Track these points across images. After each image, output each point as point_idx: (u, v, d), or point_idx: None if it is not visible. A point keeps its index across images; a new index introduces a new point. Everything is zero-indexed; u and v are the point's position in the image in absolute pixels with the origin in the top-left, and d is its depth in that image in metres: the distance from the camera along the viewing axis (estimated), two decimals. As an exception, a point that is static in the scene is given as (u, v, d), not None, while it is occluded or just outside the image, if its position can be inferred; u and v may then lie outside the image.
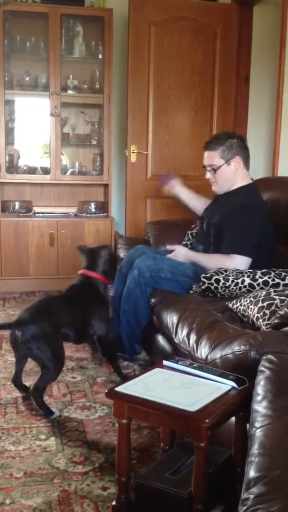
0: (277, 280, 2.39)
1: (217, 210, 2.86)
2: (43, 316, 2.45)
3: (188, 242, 3.18)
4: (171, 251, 2.93)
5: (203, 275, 2.56)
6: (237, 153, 2.82)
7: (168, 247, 2.95)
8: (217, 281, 2.50)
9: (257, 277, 2.44)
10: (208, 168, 2.89)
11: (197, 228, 3.16)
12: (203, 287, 2.55)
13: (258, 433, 1.28)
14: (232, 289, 2.49)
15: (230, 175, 2.86)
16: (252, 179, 2.95)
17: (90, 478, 1.96)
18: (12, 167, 4.65)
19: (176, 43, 4.43)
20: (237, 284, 2.47)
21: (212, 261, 2.71)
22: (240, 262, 2.64)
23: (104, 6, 4.54)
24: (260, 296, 2.15)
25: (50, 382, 2.50)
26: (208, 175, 2.91)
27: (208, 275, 2.54)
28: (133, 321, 2.86)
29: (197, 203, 3.26)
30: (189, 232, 3.25)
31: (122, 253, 3.45)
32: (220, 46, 4.49)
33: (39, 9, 4.39)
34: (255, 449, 1.22)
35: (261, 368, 1.55)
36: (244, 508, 1.04)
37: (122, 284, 2.99)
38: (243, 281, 2.46)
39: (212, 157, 2.86)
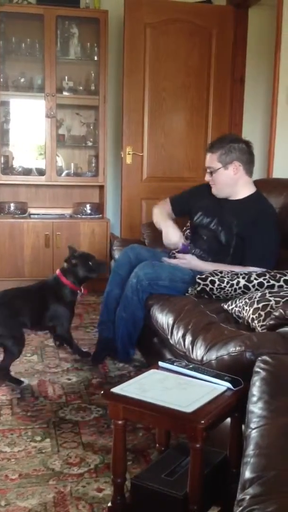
0: (272, 282, 2.39)
1: (235, 219, 2.77)
2: (5, 307, 2.75)
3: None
4: (173, 254, 2.90)
5: (198, 276, 2.56)
6: (236, 159, 2.76)
7: (178, 255, 2.88)
8: (212, 282, 2.50)
9: (252, 278, 2.45)
10: (208, 170, 2.86)
11: (191, 234, 3.13)
12: (198, 288, 2.55)
13: (254, 434, 1.28)
14: (227, 290, 2.49)
15: (228, 180, 2.80)
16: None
17: (86, 480, 1.96)
18: (7, 168, 4.65)
19: (171, 44, 4.44)
20: (232, 285, 2.47)
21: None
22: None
23: (100, 7, 4.54)
24: (255, 298, 2.16)
25: (12, 361, 2.77)
26: (207, 177, 2.87)
27: (203, 276, 2.54)
28: (131, 327, 2.85)
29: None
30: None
31: (117, 255, 3.44)
32: (216, 48, 4.51)
33: (35, 11, 4.39)
34: (250, 449, 1.22)
35: (256, 369, 1.56)
36: (240, 508, 1.04)
37: (117, 285, 2.97)
38: (238, 283, 2.47)
39: (211, 160, 2.82)
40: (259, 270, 2.60)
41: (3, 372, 2.72)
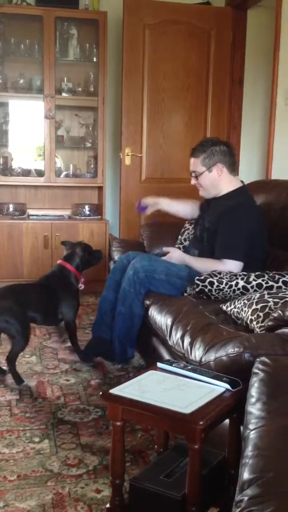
0: (270, 283, 2.40)
1: (208, 216, 2.89)
2: (11, 296, 2.79)
3: (181, 246, 3.18)
4: (165, 254, 2.94)
5: (197, 277, 2.56)
6: (219, 161, 2.84)
7: (165, 249, 2.98)
8: (211, 283, 2.51)
9: (251, 279, 2.45)
10: (193, 174, 2.94)
11: (190, 231, 3.18)
12: (197, 289, 2.55)
13: (252, 435, 1.28)
14: (226, 291, 2.49)
15: (213, 182, 2.88)
16: (242, 182, 2.96)
17: (84, 481, 1.96)
18: (6, 170, 4.65)
19: (170, 46, 4.44)
20: (231, 286, 2.48)
21: (204, 265, 2.73)
22: (232, 266, 2.66)
23: (99, 9, 4.54)
24: (254, 299, 2.16)
25: (20, 352, 2.82)
26: (193, 181, 2.96)
27: (202, 277, 2.54)
28: (129, 323, 2.86)
29: (182, 207, 3.25)
30: (180, 237, 3.25)
31: (116, 256, 3.45)
32: (214, 49, 4.52)
33: (34, 12, 4.39)
34: (249, 451, 1.22)
35: (255, 370, 1.56)
36: (238, 510, 1.04)
37: (112, 289, 3.00)
38: (237, 284, 2.47)
39: (195, 164, 2.90)
40: (229, 262, 2.67)
41: (11, 363, 2.74)
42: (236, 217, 2.75)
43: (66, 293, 2.98)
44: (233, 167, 2.91)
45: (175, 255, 2.91)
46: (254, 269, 2.59)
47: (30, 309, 2.82)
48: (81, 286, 3.08)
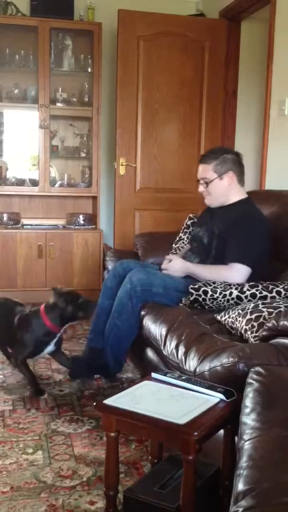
0: (264, 293, 2.40)
1: (219, 223, 2.83)
2: None
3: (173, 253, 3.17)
4: (160, 263, 2.92)
5: (191, 286, 2.55)
6: (230, 169, 2.82)
7: (168, 256, 2.93)
8: (205, 292, 2.50)
9: (245, 289, 2.45)
10: (201, 181, 2.89)
11: (185, 241, 3.18)
12: (191, 298, 2.54)
13: (247, 445, 1.27)
14: (220, 301, 2.49)
15: (223, 190, 2.85)
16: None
17: (78, 492, 1.94)
18: (0, 179, 4.65)
19: (164, 57, 4.47)
20: (225, 296, 2.47)
21: (209, 271, 2.69)
22: (239, 271, 2.62)
23: (93, 20, 4.57)
24: (248, 309, 2.16)
25: None
26: (201, 188, 2.90)
27: (196, 286, 2.54)
28: (123, 335, 2.82)
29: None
30: (174, 245, 3.25)
31: (110, 266, 3.45)
32: (208, 61, 4.55)
33: (29, 23, 4.42)
34: (243, 461, 1.22)
35: (249, 380, 1.55)
36: (233, 521, 1.03)
37: (108, 298, 2.98)
38: (231, 293, 2.47)
39: (206, 170, 2.86)
40: (239, 266, 2.63)
41: None
42: (249, 226, 2.72)
43: (23, 332, 2.74)
44: (242, 177, 2.89)
45: (177, 263, 2.85)
46: (258, 281, 2.57)
47: None
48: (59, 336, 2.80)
